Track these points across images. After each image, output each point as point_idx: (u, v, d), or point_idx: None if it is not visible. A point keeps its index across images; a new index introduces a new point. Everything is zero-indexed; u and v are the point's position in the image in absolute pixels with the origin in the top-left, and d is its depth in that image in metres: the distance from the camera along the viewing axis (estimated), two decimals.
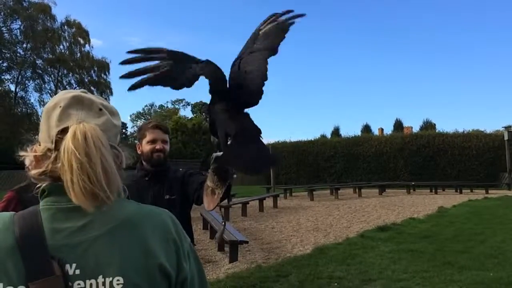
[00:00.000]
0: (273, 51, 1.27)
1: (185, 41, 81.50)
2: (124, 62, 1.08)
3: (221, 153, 1.20)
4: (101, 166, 0.74)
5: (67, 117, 0.79)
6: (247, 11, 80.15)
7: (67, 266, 0.72)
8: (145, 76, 1.08)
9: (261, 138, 1.17)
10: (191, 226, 2.28)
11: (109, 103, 0.88)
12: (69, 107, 0.80)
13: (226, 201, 1.39)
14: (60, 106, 0.80)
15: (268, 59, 1.25)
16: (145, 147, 2.21)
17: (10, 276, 0.71)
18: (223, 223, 1.50)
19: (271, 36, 1.31)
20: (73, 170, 0.73)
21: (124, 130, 57.89)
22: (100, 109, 0.82)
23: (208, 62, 1.13)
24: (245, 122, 1.17)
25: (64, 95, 0.83)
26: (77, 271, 0.72)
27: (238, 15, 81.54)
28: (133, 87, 1.06)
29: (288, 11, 1.38)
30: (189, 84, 1.10)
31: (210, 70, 1.12)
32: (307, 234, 7.87)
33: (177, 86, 1.09)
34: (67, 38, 33.04)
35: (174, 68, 1.09)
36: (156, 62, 1.10)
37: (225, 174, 1.29)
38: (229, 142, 1.14)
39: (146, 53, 1.12)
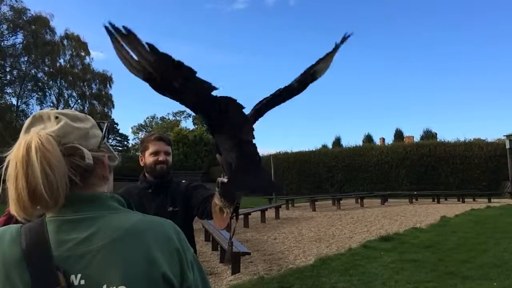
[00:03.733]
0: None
1: (187, 52, 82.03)
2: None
3: (226, 179, 1.22)
4: (42, 173, 0.74)
5: (27, 134, 0.81)
6: (251, 24, 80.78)
7: (72, 276, 0.74)
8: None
9: (261, 166, 1.19)
10: (194, 238, 2.29)
11: (73, 111, 0.89)
12: (30, 126, 0.83)
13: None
14: (24, 128, 0.84)
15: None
16: (148, 159, 2.21)
17: (17, 287, 0.73)
18: (230, 242, 1.47)
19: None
20: (10, 181, 0.76)
21: (125, 142, 58.00)
22: (57, 117, 0.83)
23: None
24: (246, 150, 1.18)
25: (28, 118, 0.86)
26: (82, 282, 0.74)
27: (243, 27, 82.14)
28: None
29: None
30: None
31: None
32: (309, 244, 7.84)
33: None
34: (66, 51, 33.28)
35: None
36: None
37: (232, 196, 1.30)
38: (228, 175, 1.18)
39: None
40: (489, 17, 59.88)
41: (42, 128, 0.82)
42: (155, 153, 2.21)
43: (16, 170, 0.76)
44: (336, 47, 1.30)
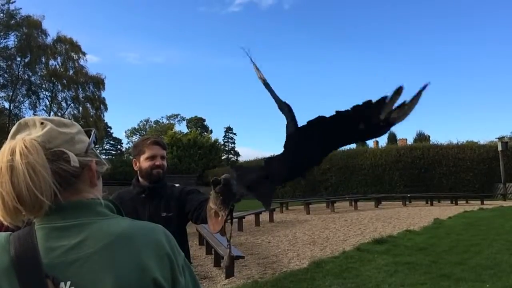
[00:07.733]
0: None
1: (183, 57, 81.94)
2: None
3: (228, 175, 1.24)
4: (27, 178, 0.74)
5: (12, 140, 0.82)
6: (246, 27, 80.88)
7: (62, 284, 0.73)
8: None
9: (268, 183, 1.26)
10: (188, 243, 2.27)
11: (59, 117, 0.89)
12: (16, 133, 0.84)
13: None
14: (10, 135, 0.84)
15: None
16: (144, 163, 2.17)
17: None
18: (228, 246, 1.46)
19: None
20: None
21: (119, 146, 57.78)
22: (42, 123, 0.83)
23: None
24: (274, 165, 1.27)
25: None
26: None
27: (237, 30, 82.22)
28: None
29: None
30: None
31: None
32: (303, 248, 7.84)
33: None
34: (60, 53, 33.05)
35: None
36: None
37: (230, 196, 1.27)
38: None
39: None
40: (484, 19, 60.44)
41: (27, 134, 0.82)
42: (152, 158, 2.17)
43: (0, 175, 0.75)
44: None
